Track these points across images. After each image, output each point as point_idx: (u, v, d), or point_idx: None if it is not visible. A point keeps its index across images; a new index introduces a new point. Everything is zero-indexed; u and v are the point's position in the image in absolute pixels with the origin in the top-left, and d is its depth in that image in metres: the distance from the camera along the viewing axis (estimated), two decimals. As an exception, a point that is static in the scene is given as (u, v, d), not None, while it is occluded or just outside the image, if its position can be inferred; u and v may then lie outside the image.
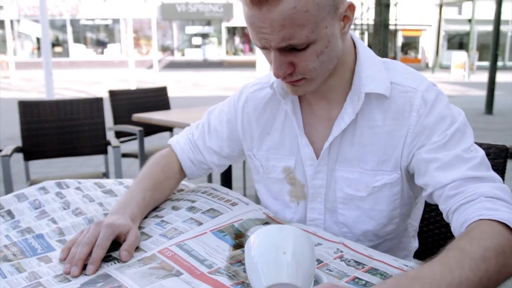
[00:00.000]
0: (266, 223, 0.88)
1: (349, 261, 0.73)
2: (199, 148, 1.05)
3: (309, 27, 0.72)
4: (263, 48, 0.77)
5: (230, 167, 2.29)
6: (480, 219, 0.69)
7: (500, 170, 1.10)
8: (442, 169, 0.77)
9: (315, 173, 0.90)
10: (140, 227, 0.86)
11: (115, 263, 0.73)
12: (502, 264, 0.63)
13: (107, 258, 0.74)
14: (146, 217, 0.91)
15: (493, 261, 0.61)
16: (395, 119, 0.83)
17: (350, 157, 0.87)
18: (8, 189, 2.27)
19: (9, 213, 0.92)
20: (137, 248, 0.78)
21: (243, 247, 0.77)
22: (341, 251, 0.76)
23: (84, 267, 0.70)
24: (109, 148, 2.68)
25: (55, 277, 0.69)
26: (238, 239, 0.81)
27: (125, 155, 3.01)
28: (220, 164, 1.07)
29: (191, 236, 0.80)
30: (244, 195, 1.01)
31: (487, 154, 1.11)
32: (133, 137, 3.09)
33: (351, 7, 0.78)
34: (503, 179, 1.10)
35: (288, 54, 0.75)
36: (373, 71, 0.84)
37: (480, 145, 1.11)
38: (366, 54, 0.86)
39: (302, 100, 0.92)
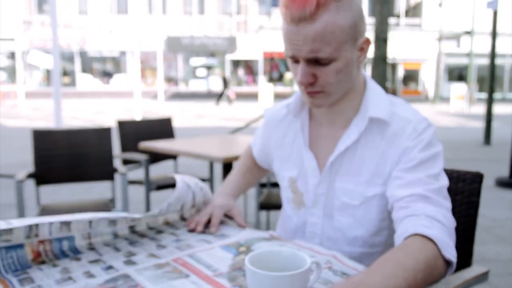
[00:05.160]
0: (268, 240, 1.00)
1: (336, 272, 0.82)
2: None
3: (333, 46, 0.89)
4: (293, 56, 0.93)
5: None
6: (416, 234, 0.83)
7: (475, 194, 1.20)
8: (403, 186, 0.92)
9: (319, 183, 1.05)
10: (158, 240, 0.99)
11: (135, 265, 0.86)
12: (428, 274, 0.78)
13: (129, 262, 0.87)
14: (162, 232, 1.04)
15: (421, 272, 0.76)
16: (389, 141, 0.98)
17: (349, 171, 1.02)
18: (21, 214, 2.37)
19: None
20: (154, 256, 0.91)
21: (245, 255, 0.89)
22: (331, 263, 0.86)
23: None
24: (116, 175, 2.80)
25: (84, 274, 0.82)
26: (241, 250, 0.93)
27: (131, 182, 3.13)
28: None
29: (201, 249, 0.94)
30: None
31: (463, 180, 1.22)
32: (139, 164, 3.21)
33: (367, 41, 0.96)
34: (478, 203, 1.20)
35: (313, 66, 0.92)
36: (379, 101, 1.02)
37: (458, 171, 1.23)
38: (374, 87, 1.04)
39: (312, 120, 1.10)
